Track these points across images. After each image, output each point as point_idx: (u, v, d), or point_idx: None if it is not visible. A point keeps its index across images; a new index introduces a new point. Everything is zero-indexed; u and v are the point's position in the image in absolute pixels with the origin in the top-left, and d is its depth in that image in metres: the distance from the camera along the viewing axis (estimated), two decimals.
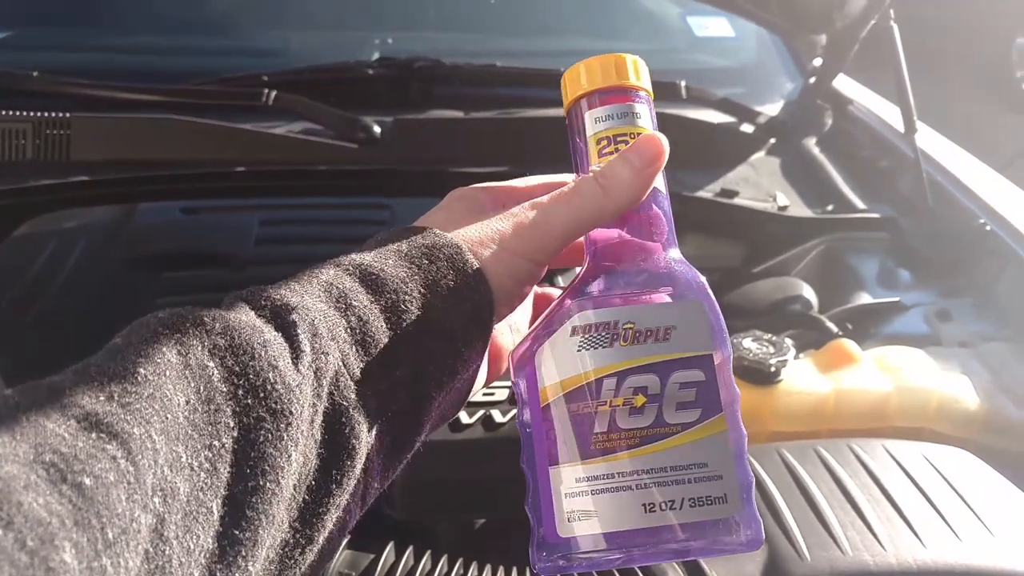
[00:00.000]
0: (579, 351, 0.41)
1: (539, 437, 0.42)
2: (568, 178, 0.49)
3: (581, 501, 0.40)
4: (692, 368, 0.41)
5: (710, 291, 0.43)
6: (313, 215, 1.27)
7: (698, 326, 0.42)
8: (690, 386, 0.40)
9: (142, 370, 0.31)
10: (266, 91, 1.24)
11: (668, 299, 0.42)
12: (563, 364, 0.42)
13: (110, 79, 1.27)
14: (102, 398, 0.30)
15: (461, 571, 0.70)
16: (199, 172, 1.21)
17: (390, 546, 0.71)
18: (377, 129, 1.21)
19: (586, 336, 0.41)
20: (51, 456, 0.27)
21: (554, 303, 0.44)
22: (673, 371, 0.40)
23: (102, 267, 1.10)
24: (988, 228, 1.16)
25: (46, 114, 1.14)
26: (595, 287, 0.44)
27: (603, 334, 0.41)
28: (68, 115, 1.15)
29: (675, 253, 0.45)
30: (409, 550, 0.71)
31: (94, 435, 0.29)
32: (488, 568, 0.71)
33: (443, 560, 0.71)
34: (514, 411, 0.78)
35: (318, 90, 1.29)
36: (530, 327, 0.46)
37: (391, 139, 1.22)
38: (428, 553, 0.71)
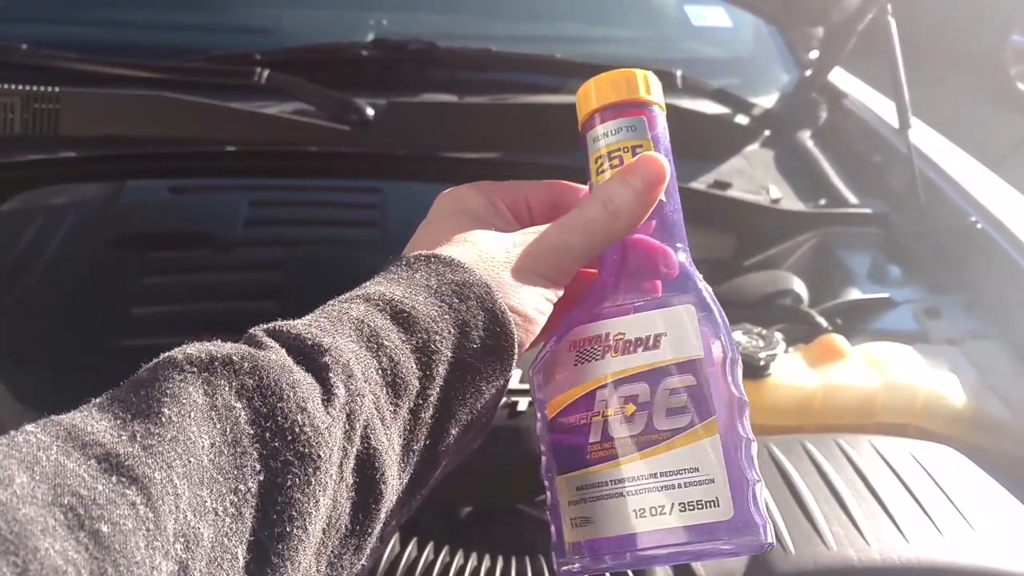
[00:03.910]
0: (575, 365, 0.43)
1: (548, 449, 0.44)
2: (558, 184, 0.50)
3: (581, 508, 0.42)
4: (683, 373, 0.41)
5: (706, 293, 0.44)
6: (303, 197, 1.26)
7: (688, 331, 0.42)
8: (681, 392, 0.41)
9: (166, 410, 0.31)
10: (258, 70, 1.23)
11: (657, 306, 0.43)
12: (563, 379, 0.43)
13: (101, 53, 1.25)
14: (124, 437, 0.30)
15: (447, 559, 0.70)
16: (188, 151, 1.20)
17: None
18: (370, 111, 1.20)
19: (581, 350, 0.43)
20: (70, 499, 0.27)
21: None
22: (663, 378, 0.41)
23: (89, 245, 1.09)
24: (979, 226, 1.16)
25: (35, 88, 1.13)
26: (593, 301, 0.45)
27: (595, 346, 0.43)
28: (58, 90, 1.13)
29: (681, 256, 0.45)
30: (395, 538, 0.71)
31: (114, 478, 0.28)
32: (474, 556, 0.71)
33: (429, 547, 0.71)
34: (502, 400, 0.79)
35: (311, 70, 1.28)
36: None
37: (384, 122, 1.21)
38: (414, 541, 0.71)
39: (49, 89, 1.13)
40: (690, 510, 0.40)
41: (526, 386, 0.79)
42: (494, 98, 1.34)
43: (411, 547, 0.70)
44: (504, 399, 0.78)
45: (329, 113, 1.21)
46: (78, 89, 1.16)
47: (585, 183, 0.48)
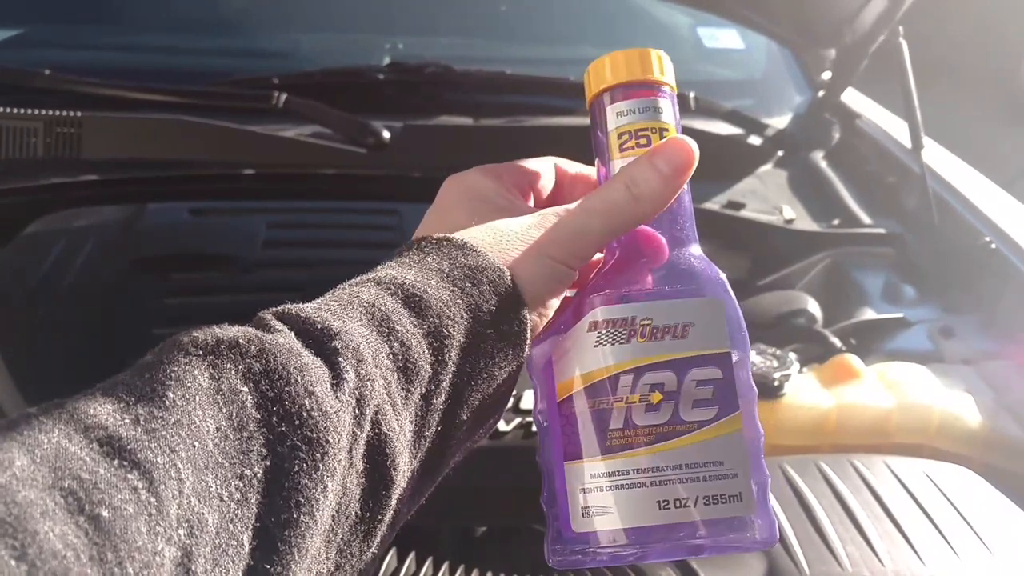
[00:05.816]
0: (596, 346, 0.41)
1: (555, 432, 0.42)
2: (568, 164, 0.49)
3: (597, 496, 0.40)
4: (710, 366, 0.40)
5: (729, 288, 0.43)
6: (321, 219, 1.28)
7: (716, 323, 0.41)
8: (707, 384, 0.40)
9: (171, 394, 0.30)
10: (276, 93, 1.25)
11: (687, 296, 0.42)
12: (580, 359, 0.42)
13: (121, 78, 1.28)
14: (127, 421, 0.29)
15: None
16: (208, 173, 1.22)
17: (392, 552, 0.71)
18: (386, 134, 1.21)
19: (603, 331, 0.41)
20: (70, 482, 0.27)
21: (574, 297, 0.44)
22: (690, 368, 0.40)
23: (110, 267, 1.11)
24: (993, 246, 1.16)
25: (57, 112, 1.15)
26: (614, 282, 0.43)
27: (620, 330, 0.41)
28: (79, 114, 1.15)
29: (695, 249, 0.45)
30: (411, 556, 0.71)
31: (116, 462, 0.28)
32: (489, 575, 0.71)
33: (444, 567, 0.71)
34: (517, 420, 0.79)
35: (328, 93, 1.29)
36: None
37: (400, 144, 1.22)
38: (430, 560, 0.71)
39: (71, 114, 1.15)
40: (714, 504, 0.39)
41: None
42: (509, 120, 1.35)
43: (427, 566, 0.70)
44: (520, 419, 0.79)
45: (346, 136, 1.22)
46: (99, 113, 1.18)
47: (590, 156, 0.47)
